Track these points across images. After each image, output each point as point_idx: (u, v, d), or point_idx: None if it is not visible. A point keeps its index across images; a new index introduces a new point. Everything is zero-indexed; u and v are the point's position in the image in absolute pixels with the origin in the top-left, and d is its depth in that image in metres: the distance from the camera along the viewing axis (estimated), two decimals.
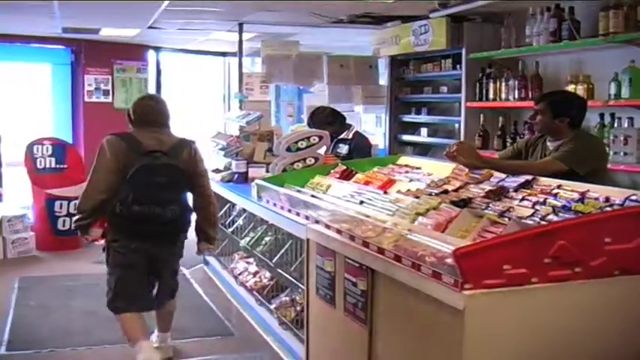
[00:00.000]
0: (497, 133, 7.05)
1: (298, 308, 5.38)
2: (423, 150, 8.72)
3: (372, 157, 6.62)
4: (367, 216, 3.99)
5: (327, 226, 4.23)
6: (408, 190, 4.61)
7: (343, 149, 7.02)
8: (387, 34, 8.60)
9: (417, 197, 4.26)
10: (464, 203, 3.98)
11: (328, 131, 6.49)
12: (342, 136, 7.12)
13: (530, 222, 3.50)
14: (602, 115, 5.84)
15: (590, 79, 6.02)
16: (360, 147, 7.04)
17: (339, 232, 4.04)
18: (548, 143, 4.94)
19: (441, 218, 3.77)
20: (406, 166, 5.56)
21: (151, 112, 5.12)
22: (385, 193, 4.71)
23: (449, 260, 2.92)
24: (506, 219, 3.60)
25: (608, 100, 5.64)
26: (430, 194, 4.31)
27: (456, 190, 4.39)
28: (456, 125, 7.99)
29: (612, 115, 5.75)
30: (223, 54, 12.04)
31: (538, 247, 2.94)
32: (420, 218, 3.85)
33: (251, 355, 5.58)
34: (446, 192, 4.36)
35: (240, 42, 8.85)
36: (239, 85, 9.03)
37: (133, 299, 5.01)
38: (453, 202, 4.00)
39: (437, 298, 2.98)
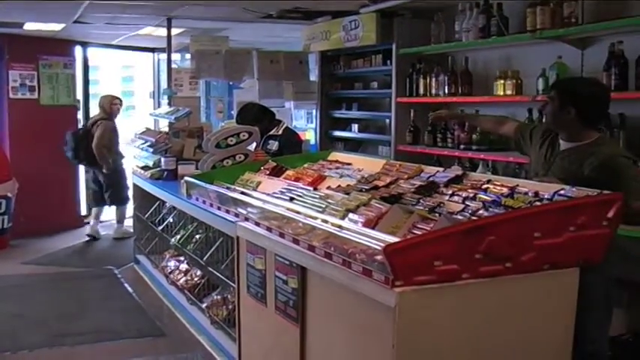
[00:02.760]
0: (428, 129, 7.08)
1: (230, 307, 5.31)
2: (354, 146, 8.73)
3: (302, 154, 6.56)
4: (297, 213, 3.94)
5: (257, 224, 4.18)
6: (339, 186, 4.56)
7: (273, 145, 6.96)
8: (317, 29, 8.57)
9: (347, 193, 4.21)
10: (394, 199, 3.95)
11: (257, 128, 6.42)
12: (271, 132, 7.05)
13: (461, 217, 3.49)
14: (530, 110, 5.89)
15: (518, 74, 6.09)
16: (290, 143, 6.99)
17: (269, 229, 3.99)
18: (561, 141, 4.08)
19: (371, 214, 3.73)
20: (337, 161, 5.52)
21: None
22: (315, 189, 4.65)
23: (379, 257, 2.89)
24: (437, 214, 3.58)
25: (536, 95, 5.69)
26: (360, 190, 4.27)
27: (386, 186, 4.36)
28: (387, 121, 8.00)
29: (540, 112, 5.80)
30: (152, 50, 11.85)
31: (468, 243, 2.93)
32: (350, 214, 3.81)
33: (183, 355, 5.49)
34: (376, 188, 4.32)
35: (169, 37, 8.73)
36: (168, 81, 8.93)
37: None
38: (383, 198, 3.96)
39: (368, 296, 2.95)
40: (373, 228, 3.55)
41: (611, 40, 5.18)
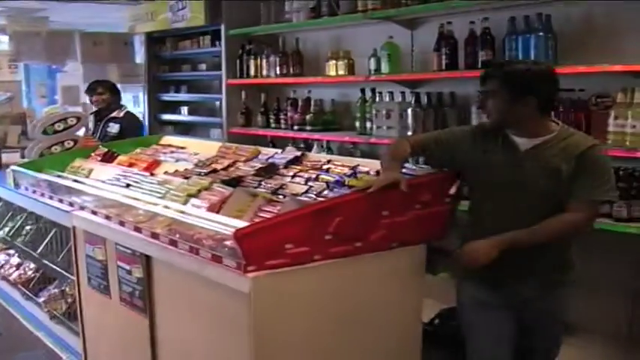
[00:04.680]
0: (261, 110, 7.03)
1: (69, 300, 5.02)
2: (184, 129, 8.57)
3: (133, 138, 6.38)
4: (136, 200, 3.81)
5: (94, 212, 3.98)
6: (176, 170, 4.45)
7: (114, 128, 6.79)
8: (142, 10, 8.34)
9: (187, 178, 4.12)
10: (235, 182, 3.89)
11: (113, 98, 6.17)
12: (112, 115, 6.88)
13: (306, 199, 3.47)
14: (363, 90, 5.95)
15: (350, 54, 6.14)
16: (133, 127, 6.84)
17: (107, 217, 3.82)
18: (517, 139, 3.26)
19: (215, 199, 3.66)
20: (170, 146, 5.41)
21: None
22: (152, 175, 4.52)
23: (229, 242, 2.83)
24: (281, 196, 3.55)
25: (369, 76, 5.76)
26: (199, 174, 4.19)
27: (225, 169, 4.30)
28: (217, 103, 7.87)
29: (373, 90, 5.88)
30: None
31: (318, 225, 2.91)
32: (193, 200, 3.72)
33: (25, 354, 5.23)
34: (215, 171, 4.25)
35: None
36: None
37: None
38: (224, 182, 3.89)
39: (221, 283, 2.88)
40: (217, 212, 3.49)
41: (440, 21, 5.30)
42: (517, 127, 3.24)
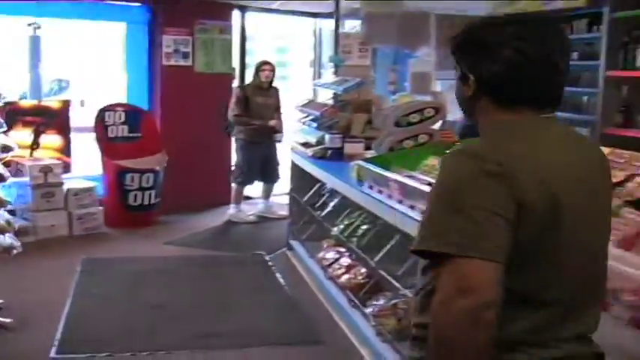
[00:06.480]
0: None
1: (400, 317, 4.51)
2: None
3: None
4: None
5: None
6: None
7: None
8: None
9: None
10: None
11: None
12: None
13: None
14: None
15: None
16: None
17: None
18: None
19: (628, 230, 2.68)
20: None
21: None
22: None
23: None
24: None
25: None
26: None
27: (619, 183, 3.27)
28: (584, 98, 6.90)
29: None
30: (314, 15, 11.01)
31: None
32: None
33: None
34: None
35: None
36: (335, 47, 7.96)
37: None
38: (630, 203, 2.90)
39: None
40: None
41: None
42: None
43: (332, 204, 6.09)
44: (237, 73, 10.08)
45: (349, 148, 6.15)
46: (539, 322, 1.78)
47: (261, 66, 8.76)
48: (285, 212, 8.17)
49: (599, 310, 1.93)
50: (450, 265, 1.66)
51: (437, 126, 5.41)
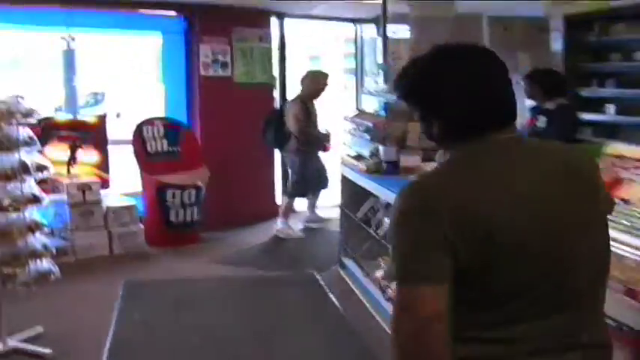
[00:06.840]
0: None
1: None
2: (607, 131, 7.38)
3: None
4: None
5: None
6: None
7: (543, 122, 5.86)
8: None
9: None
10: None
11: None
12: (546, 106, 5.95)
13: None
14: None
15: None
16: (564, 121, 5.88)
17: None
18: None
19: None
20: (624, 157, 4.01)
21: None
22: (623, 200, 3.30)
23: None
24: None
25: None
26: None
27: None
28: None
29: None
30: (353, 20, 10.72)
31: None
32: None
33: None
34: None
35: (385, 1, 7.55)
36: (383, 55, 7.73)
37: None
38: None
39: None
40: None
41: None
42: None
43: (387, 220, 5.73)
44: (277, 82, 9.77)
45: (405, 160, 5.91)
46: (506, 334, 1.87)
47: (320, 78, 8.61)
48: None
49: (587, 316, 1.96)
50: (397, 288, 1.87)
51: None
